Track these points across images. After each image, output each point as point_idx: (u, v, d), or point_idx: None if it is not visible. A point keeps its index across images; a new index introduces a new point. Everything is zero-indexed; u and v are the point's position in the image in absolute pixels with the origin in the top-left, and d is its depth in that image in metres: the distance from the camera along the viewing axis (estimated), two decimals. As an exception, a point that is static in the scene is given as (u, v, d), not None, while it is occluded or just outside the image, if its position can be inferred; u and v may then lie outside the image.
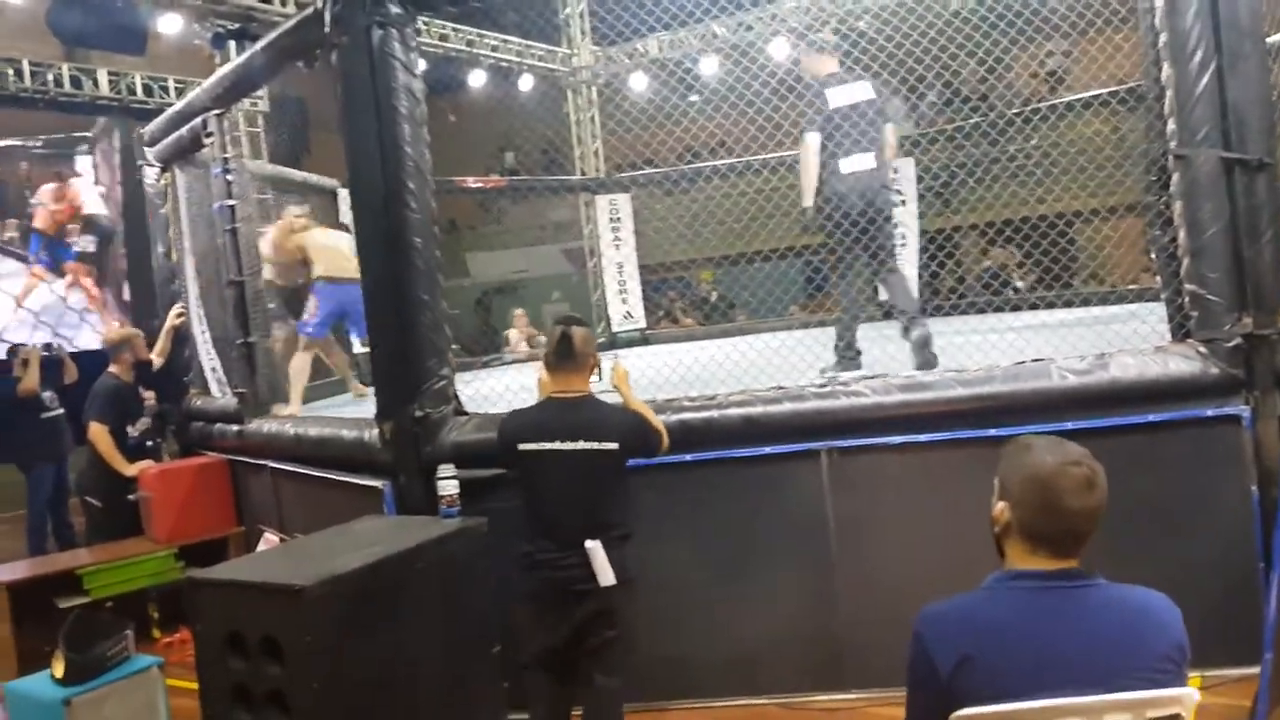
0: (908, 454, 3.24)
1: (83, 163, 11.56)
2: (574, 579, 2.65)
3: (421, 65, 3.70)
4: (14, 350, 6.78)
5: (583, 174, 9.73)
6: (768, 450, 3.34)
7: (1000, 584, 1.53)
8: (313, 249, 5.66)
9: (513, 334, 9.42)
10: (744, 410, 3.39)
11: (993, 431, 3.08)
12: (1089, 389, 3.09)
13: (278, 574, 2.50)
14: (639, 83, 9.70)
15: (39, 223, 11.12)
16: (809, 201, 4.24)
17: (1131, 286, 7.07)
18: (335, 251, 5.61)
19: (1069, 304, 6.34)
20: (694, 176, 9.04)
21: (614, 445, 2.69)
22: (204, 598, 2.55)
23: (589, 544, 2.63)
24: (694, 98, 9.04)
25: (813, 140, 4.20)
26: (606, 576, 2.63)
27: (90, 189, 11.55)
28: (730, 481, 3.38)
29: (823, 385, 3.48)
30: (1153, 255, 3.61)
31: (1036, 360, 3.25)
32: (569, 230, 11.24)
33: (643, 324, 9.52)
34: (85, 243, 11.55)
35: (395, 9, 3.58)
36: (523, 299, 12.35)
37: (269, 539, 4.54)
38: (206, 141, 5.06)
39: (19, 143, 11.06)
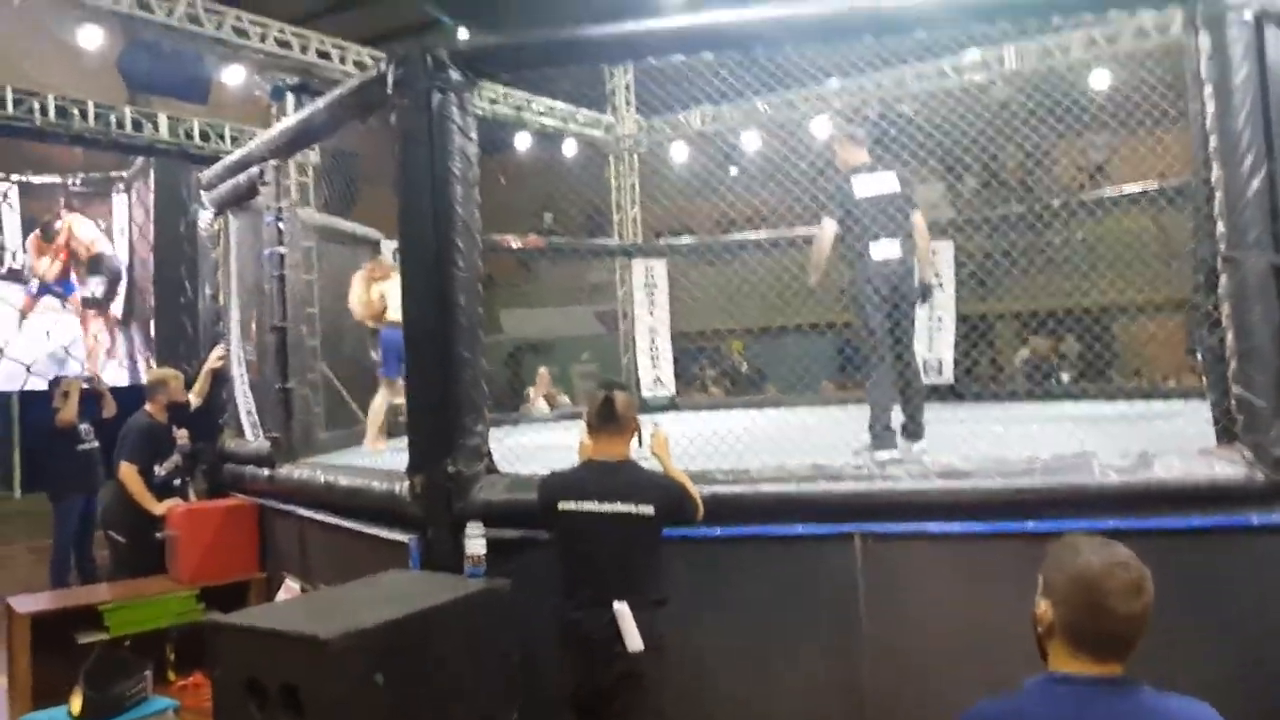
0: (944, 544, 3.17)
1: (118, 202, 11.83)
2: (603, 639, 2.65)
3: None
4: (56, 381, 6.92)
5: (620, 238, 9.88)
6: (800, 530, 3.29)
7: (1041, 687, 1.50)
8: (391, 297, 5.88)
9: (532, 391, 9.34)
10: (777, 487, 3.36)
11: (1030, 525, 3.02)
12: (1132, 489, 3.03)
13: (301, 623, 2.50)
14: (680, 153, 9.89)
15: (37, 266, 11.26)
16: (814, 280, 4.53)
17: (1171, 384, 6.96)
18: None
19: (1111, 398, 6.25)
20: (734, 248, 9.11)
21: (650, 510, 2.73)
22: (225, 643, 2.55)
23: (618, 606, 2.64)
24: (734, 170, 9.16)
25: (829, 226, 4.32)
26: (634, 642, 2.63)
27: (92, 228, 11.65)
28: (760, 558, 3.33)
29: (859, 466, 3.44)
30: (1198, 355, 3.56)
31: (1078, 455, 3.20)
32: (604, 292, 11.32)
33: (672, 390, 9.50)
34: (94, 285, 11.63)
35: (456, 75, 3.71)
36: (553, 357, 12.41)
37: (290, 586, 4.52)
38: (262, 190, 5.20)
39: (58, 180, 11.39)
